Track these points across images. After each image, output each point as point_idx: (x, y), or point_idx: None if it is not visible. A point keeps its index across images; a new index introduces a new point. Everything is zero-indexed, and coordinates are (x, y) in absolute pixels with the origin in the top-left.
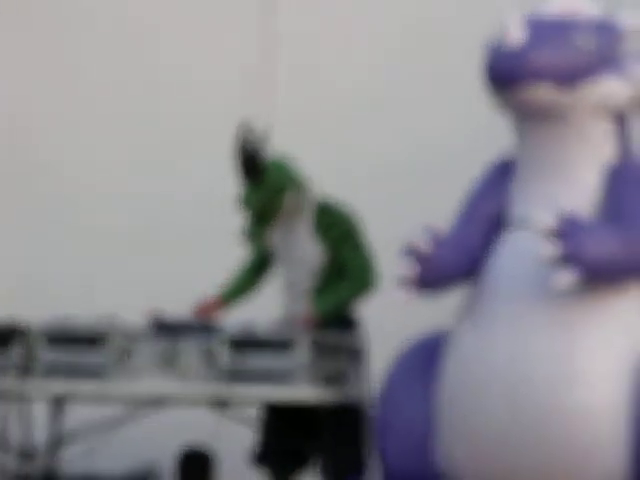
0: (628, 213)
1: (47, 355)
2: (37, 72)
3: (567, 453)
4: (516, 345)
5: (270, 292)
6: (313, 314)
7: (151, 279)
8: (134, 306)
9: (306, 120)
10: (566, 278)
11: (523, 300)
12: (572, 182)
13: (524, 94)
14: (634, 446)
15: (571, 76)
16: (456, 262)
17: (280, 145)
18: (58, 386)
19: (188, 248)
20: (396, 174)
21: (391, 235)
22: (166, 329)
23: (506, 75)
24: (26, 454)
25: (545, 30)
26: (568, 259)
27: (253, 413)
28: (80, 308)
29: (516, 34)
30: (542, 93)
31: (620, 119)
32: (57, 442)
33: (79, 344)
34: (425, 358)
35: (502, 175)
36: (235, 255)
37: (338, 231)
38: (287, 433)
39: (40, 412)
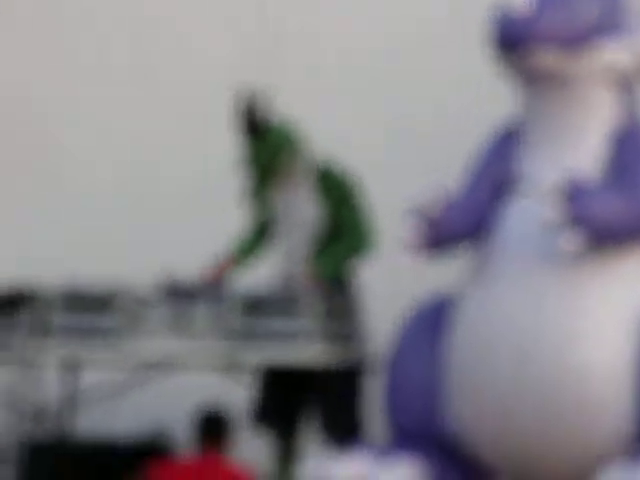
0: (633, 177)
1: (59, 319)
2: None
3: (573, 411)
4: (523, 305)
5: (268, 256)
6: (313, 276)
7: (162, 243)
8: (145, 270)
9: (307, 84)
10: (572, 240)
11: (530, 261)
12: (578, 146)
13: (530, 59)
14: (639, 404)
15: (576, 41)
16: (463, 224)
17: (282, 108)
18: (70, 350)
19: (197, 212)
20: (403, 137)
21: (397, 199)
22: (177, 292)
23: (513, 40)
24: (39, 418)
25: None
26: (574, 221)
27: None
28: (91, 272)
29: (523, 0)
30: (548, 58)
31: (625, 85)
32: (69, 406)
33: (91, 308)
34: (432, 319)
35: (509, 138)
36: (240, 218)
37: (338, 193)
38: (286, 392)
39: (52, 376)
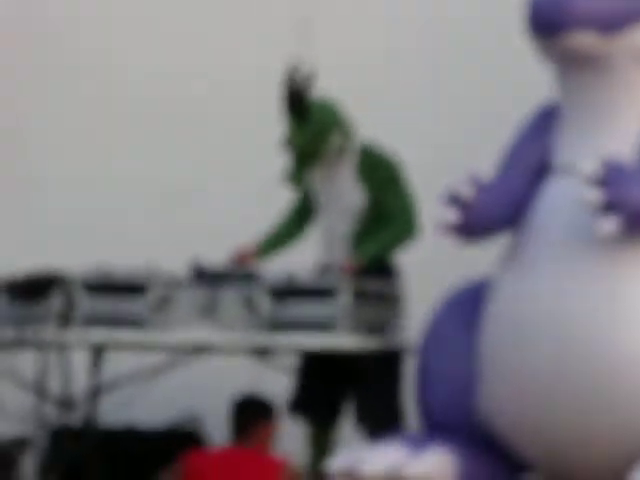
0: None
1: (87, 304)
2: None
3: (626, 401)
4: (559, 291)
5: (308, 237)
6: (355, 261)
7: (191, 228)
8: (174, 255)
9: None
10: (609, 225)
11: (566, 246)
12: (615, 130)
13: (566, 42)
14: None
15: (613, 23)
16: (499, 209)
17: (325, 90)
18: (98, 335)
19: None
20: (441, 123)
21: (434, 183)
22: (206, 277)
23: (548, 23)
24: (66, 404)
25: None
26: (611, 206)
27: (293, 361)
28: (120, 257)
29: None
30: (584, 41)
31: None
32: (97, 392)
33: (119, 293)
34: (468, 305)
35: (545, 122)
36: (276, 206)
37: (381, 176)
38: (324, 382)
39: (80, 361)
